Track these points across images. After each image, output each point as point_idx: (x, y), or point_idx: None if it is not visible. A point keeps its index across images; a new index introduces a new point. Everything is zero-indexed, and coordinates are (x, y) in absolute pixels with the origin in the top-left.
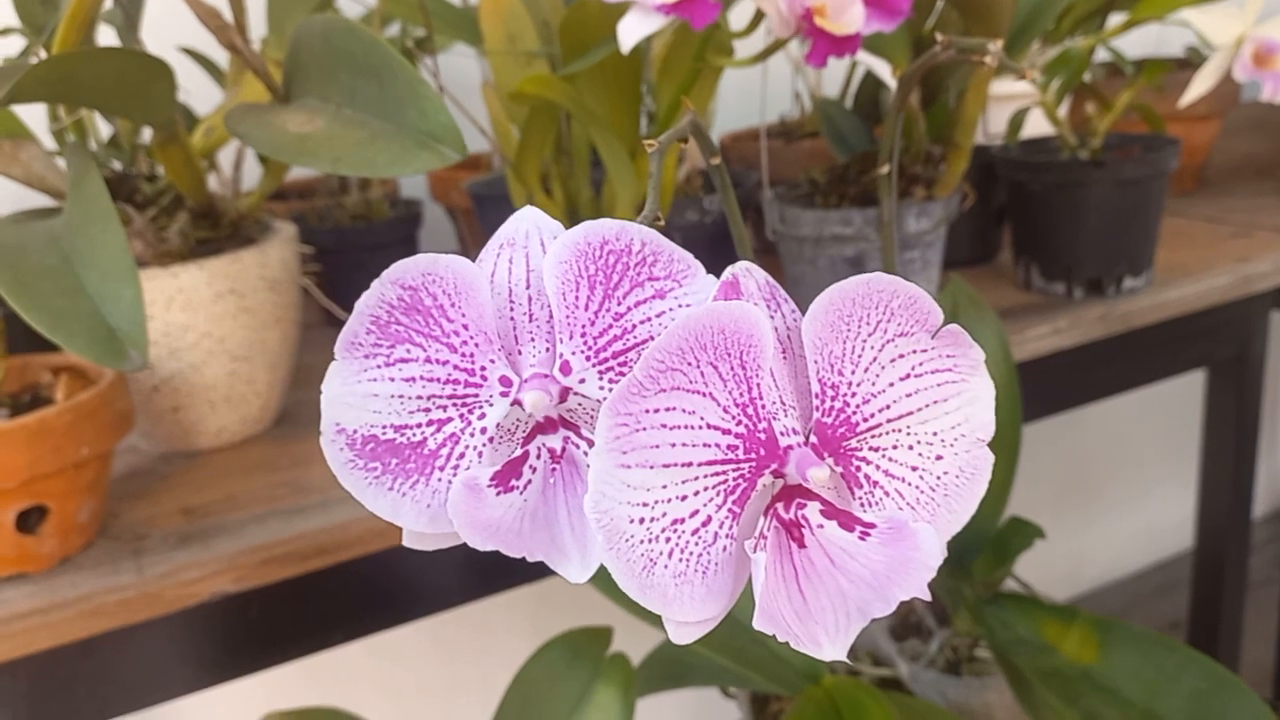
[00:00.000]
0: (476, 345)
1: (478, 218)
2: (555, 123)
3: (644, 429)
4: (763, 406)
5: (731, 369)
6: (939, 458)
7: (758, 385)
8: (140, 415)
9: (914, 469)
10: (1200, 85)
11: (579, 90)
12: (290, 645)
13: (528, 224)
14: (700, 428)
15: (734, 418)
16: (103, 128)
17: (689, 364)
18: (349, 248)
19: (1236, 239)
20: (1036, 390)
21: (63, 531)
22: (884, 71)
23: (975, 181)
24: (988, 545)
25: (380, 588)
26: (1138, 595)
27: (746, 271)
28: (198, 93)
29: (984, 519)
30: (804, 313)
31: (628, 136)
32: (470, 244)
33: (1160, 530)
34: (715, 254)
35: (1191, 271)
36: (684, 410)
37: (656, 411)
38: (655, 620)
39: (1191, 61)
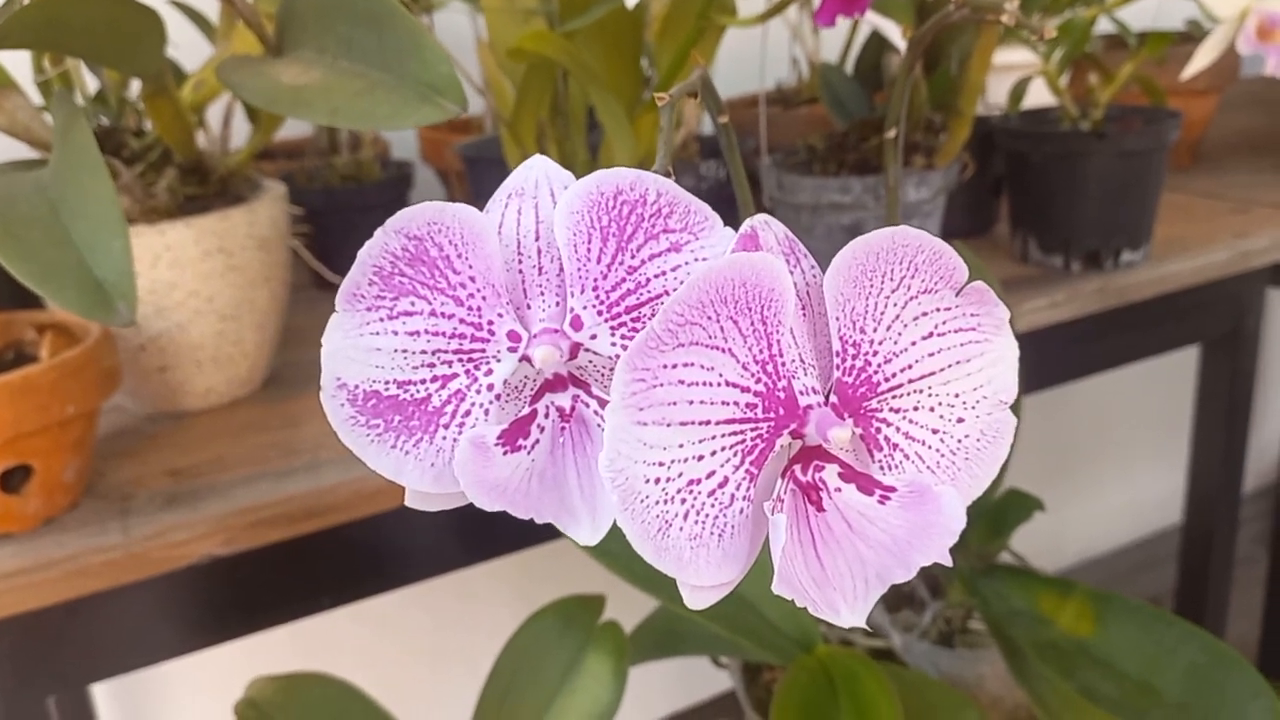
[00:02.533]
0: (484, 298)
1: (469, 180)
2: (552, 82)
3: (661, 385)
4: (783, 364)
5: (752, 324)
6: (960, 420)
7: (778, 342)
8: (127, 374)
9: (935, 431)
10: (1203, 58)
11: (578, 48)
12: (278, 609)
13: (537, 173)
14: (719, 385)
15: (753, 375)
16: (90, 84)
17: (709, 318)
18: (338, 209)
19: (1234, 214)
20: (1030, 363)
21: (47, 491)
22: (893, 33)
23: (974, 152)
24: (984, 516)
25: (370, 552)
26: (1118, 571)
27: (765, 224)
28: (186, 47)
29: None
30: (822, 270)
31: (626, 96)
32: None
33: (1145, 506)
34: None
35: (1189, 246)
36: (702, 366)
37: (675, 367)
38: (651, 587)
39: (1193, 35)
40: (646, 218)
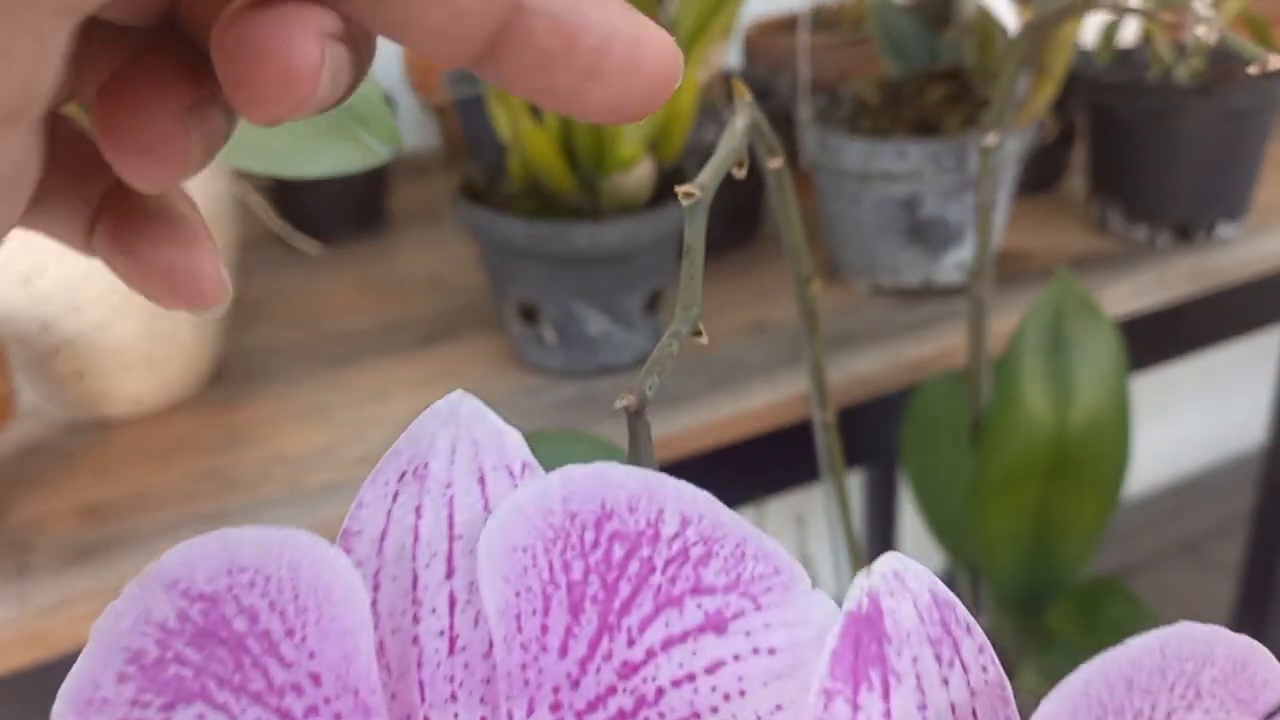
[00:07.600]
0: (335, 715)
1: (463, 121)
2: None
3: None
4: None
5: None
6: None
7: None
8: (41, 381)
9: None
10: None
11: None
12: None
13: (452, 429)
14: None
15: None
16: None
17: None
18: None
19: None
20: None
21: None
22: (1001, 6)
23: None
24: (1068, 596)
25: None
26: (1199, 494)
27: (898, 580)
28: None
29: (1065, 559)
30: None
31: None
32: (457, 149)
33: (1226, 429)
34: (735, 183)
35: None
36: None
37: None
38: None
39: None
40: (660, 566)
